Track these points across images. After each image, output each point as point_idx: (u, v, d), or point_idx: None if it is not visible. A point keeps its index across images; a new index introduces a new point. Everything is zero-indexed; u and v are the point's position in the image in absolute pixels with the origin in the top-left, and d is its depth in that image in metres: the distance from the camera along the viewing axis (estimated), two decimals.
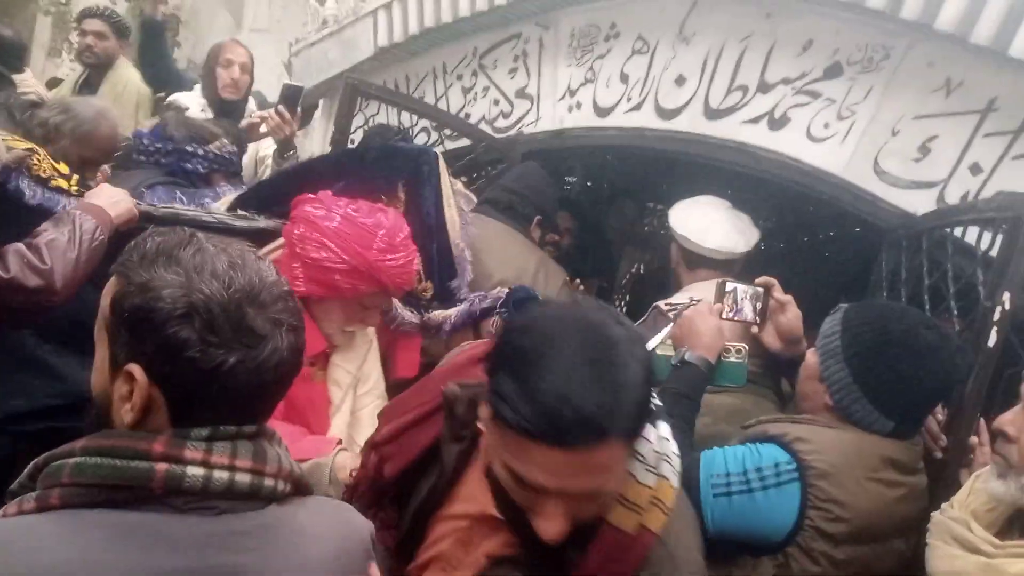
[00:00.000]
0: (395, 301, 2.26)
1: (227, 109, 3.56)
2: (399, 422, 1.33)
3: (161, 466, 0.90)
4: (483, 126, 3.79)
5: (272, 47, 6.31)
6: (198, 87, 3.73)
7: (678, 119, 3.14)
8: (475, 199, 2.72)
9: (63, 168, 2.01)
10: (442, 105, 3.98)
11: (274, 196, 2.28)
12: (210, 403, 0.94)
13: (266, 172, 3.34)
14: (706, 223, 2.50)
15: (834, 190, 2.78)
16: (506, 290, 2.37)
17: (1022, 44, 2.22)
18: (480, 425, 1.16)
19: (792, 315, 2.06)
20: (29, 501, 0.91)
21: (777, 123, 2.86)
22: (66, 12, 7.70)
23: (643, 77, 3.25)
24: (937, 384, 1.69)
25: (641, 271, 4.96)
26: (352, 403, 2.12)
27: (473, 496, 1.23)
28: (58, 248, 1.78)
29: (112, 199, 1.96)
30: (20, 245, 1.76)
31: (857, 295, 2.68)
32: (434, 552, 1.25)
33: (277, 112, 3.10)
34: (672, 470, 1.18)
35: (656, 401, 1.16)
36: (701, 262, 2.51)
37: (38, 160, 1.92)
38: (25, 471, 0.96)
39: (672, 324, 2.07)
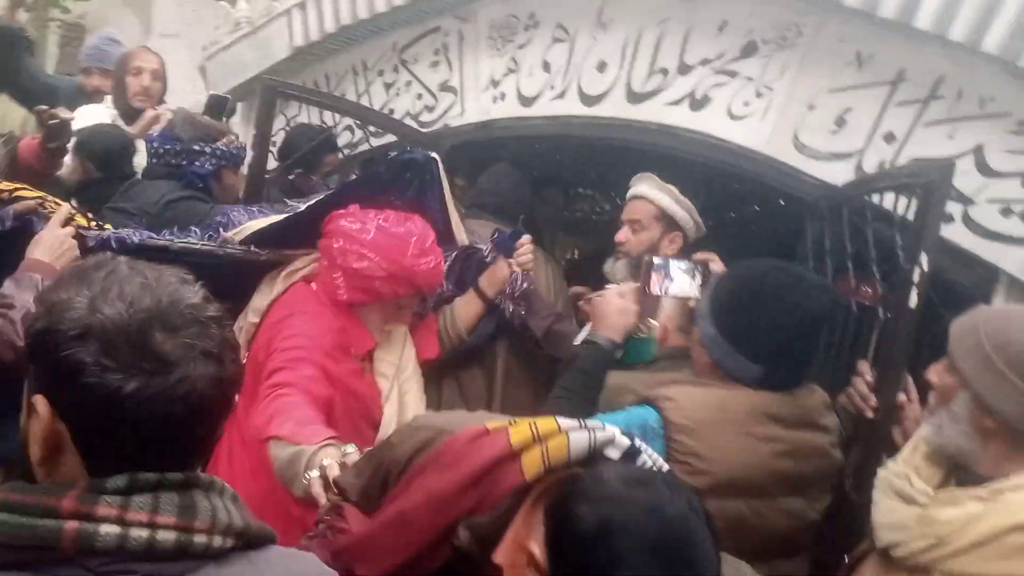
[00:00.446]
0: None
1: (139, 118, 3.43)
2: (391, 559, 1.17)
3: (71, 524, 0.82)
4: (408, 121, 3.74)
5: (185, 52, 6.13)
6: (108, 99, 3.59)
7: (602, 105, 3.16)
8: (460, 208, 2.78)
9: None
10: (364, 102, 3.91)
11: (312, 224, 2.29)
12: (119, 440, 0.86)
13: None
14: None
15: (757, 166, 2.83)
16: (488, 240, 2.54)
17: (926, 16, 2.30)
18: None
19: None
20: None
21: (698, 103, 2.91)
22: None
23: (565, 65, 3.26)
24: (794, 320, 1.68)
25: (576, 256, 4.99)
26: (399, 390, 2.31)
27: None
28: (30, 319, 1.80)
29: (55, 253, 1.93)
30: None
31: None
32: None
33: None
34: None
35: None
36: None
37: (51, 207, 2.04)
38: None
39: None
